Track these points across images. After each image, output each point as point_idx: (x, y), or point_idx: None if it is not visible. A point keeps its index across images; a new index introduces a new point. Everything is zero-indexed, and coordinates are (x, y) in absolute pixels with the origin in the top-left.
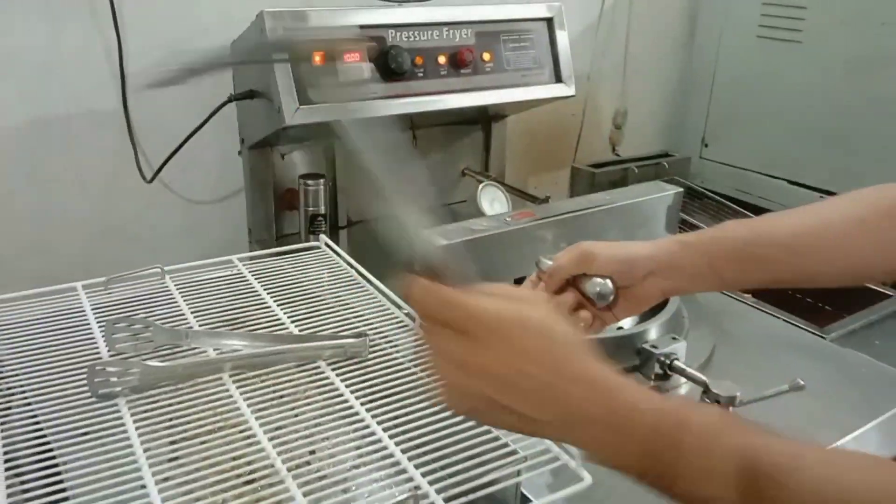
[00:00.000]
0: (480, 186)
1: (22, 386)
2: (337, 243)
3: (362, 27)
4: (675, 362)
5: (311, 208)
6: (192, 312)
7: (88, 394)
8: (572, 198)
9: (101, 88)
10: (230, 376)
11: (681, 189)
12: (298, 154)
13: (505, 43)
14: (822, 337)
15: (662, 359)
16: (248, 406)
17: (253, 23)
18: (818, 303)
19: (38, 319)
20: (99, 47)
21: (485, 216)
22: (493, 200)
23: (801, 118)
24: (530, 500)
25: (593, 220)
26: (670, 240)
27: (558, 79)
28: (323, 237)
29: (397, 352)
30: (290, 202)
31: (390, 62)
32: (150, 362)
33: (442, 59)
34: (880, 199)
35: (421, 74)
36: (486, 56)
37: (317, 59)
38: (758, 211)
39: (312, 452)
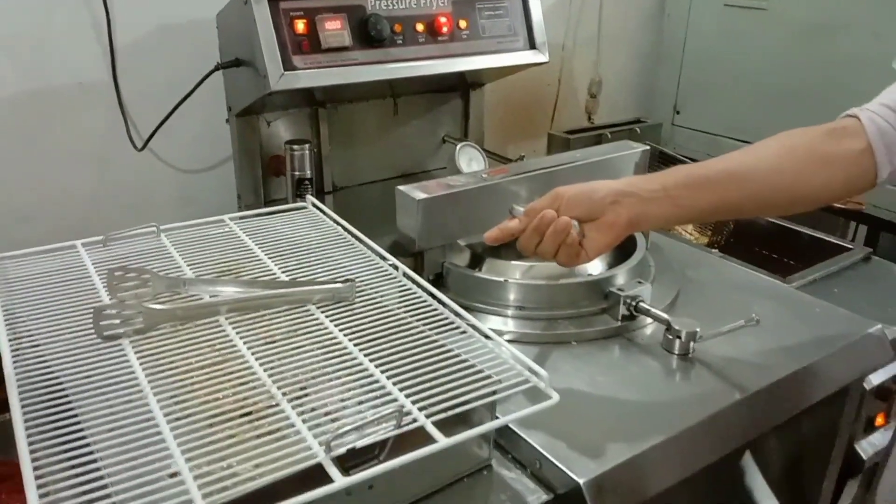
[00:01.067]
0: (458, 146)
1: (30, 331)
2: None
3: None
4: (641, 304)
5: (297, 173)
6: (187, 265)
7: (94, 336)
8: (546, 156)
9: (92, 61)
10: (226, 319)
11: (647, 147)
12: (284, 121)
13: (480, 11)
14: (782, 283)
15: (629, 301)
16: (245, 344)
17: None
18: (783, 258)
19: (41, 274)
20: (88, 21)
21: (461, 174)
22: (470, 160)
23: (768, 83)
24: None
25: (565, 175)
26: (632, 175)
27: (532, 46)
28: (310, 198)
29: (382, 297)
30: (276, 168)
31: (370, 29)
32: (151, 305)
33: (420, 27)
34: (798, 142)
35: (400, 42)
36: (463, 24)
37: None
38: None
39: (304, 387)
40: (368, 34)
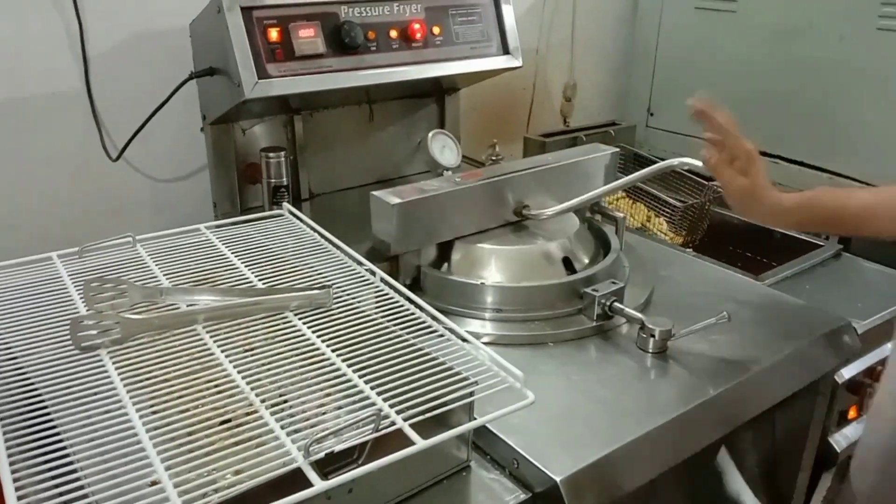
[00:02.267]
0: (431, 134)
1: (7, 344)
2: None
3: (316, 3)
4: (615, 304)
5: (273, 180)
6: (164, 275)
7: (72, 347)
8: (519, 159)
9: (65, 71)
10: (204, 328)
11: (617, 149)
12: (259, 129)
13: (453, 17)
14: (755, 281)
15: (603, 301)
16: (223, 352)
17: (210, 2)
18: (756, 256)
19: (17, 286)
20: (62, 32)
21: (435, 178)
22: (443, 147)
23: (738, 84)
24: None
25: (537, 178)
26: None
27: (506, 51)
28: (286, 205)
29: (359, 303)
30: (252, 176)
31: (343, 37)
32: (128, 315)
33: (394, 34)
34: None
35: (374, 48)
36: (436, 30)
37: None
38: (700, 175)
39: (283, 394)
40: (342, 41)
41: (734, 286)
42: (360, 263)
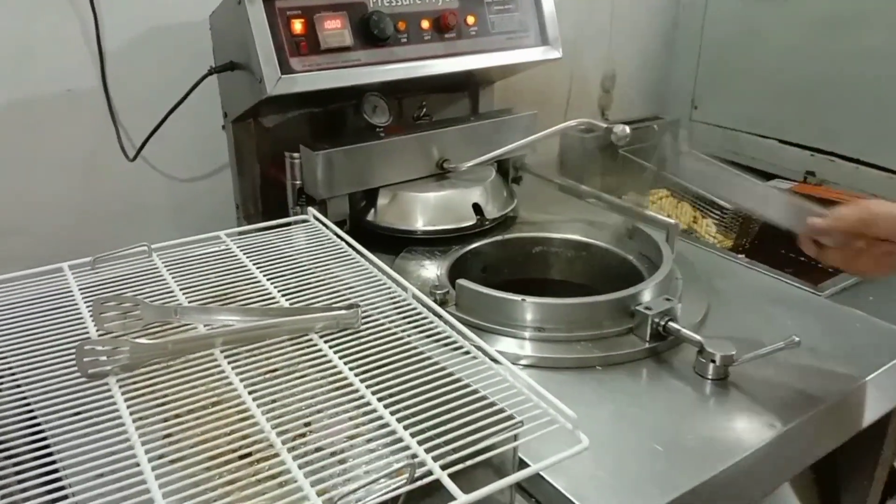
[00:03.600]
0: (365, 95)
1: (11, 368)
2: (325, 215)
3: None
4: (670, 323)
5: (297, 181)
6: (180, 289)
7: (78, 374)
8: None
9: (80, 68)
10: (221, 352)
11: (535, 112)
12: (283, 126)
13: (489, 6)
14: (815, 294)
15: (657, 320)
16: (241, 381)
17: None
18: (811, 261)
19: (24, 301)
20: (76, 26)
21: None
22: (374, 107)
23: (788, 77)
24: (529, 466)
25: (456, 134)
26: None
27: (544, 41)
28: (311, 210)
29: (390, 322)
30: (276, 176)
31: (372, 28)
32: (139, 339)
33: (425, 24)
34: None
35: (404, 40)
36: (471, 20)
37: None
38: (749, 171)
39: (308, 425)
40: (371, 33)
41: (794, 300)
42: (389, 277)
